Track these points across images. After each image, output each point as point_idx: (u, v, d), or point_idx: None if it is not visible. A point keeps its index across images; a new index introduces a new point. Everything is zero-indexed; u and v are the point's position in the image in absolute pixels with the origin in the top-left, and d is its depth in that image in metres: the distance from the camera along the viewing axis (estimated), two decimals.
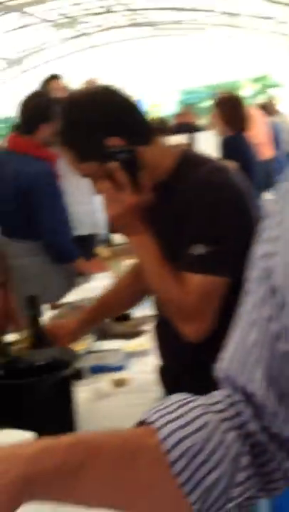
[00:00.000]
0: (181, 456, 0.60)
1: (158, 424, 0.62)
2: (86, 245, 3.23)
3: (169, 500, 0.62)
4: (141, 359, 1.75)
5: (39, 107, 3.04)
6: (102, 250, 2.51)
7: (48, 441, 0.59)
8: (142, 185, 1.29)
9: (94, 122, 1.28)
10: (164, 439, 0.61)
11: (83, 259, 2.99)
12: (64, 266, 3.02)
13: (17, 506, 0.56)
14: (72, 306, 1.90)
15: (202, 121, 8.22)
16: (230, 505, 0.61)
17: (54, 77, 3.64)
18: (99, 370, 1.68)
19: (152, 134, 1.33)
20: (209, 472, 0.60)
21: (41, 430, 1.05)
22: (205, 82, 14.20)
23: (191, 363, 1.39)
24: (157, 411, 0.64)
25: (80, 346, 1.66)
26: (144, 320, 1.94)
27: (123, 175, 1.27)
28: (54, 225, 2.95)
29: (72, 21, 13.42)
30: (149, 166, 1.29)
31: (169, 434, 0.61)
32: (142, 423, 0.64)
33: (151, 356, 1.72)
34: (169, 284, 1.30)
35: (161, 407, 0.64)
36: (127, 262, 2.37)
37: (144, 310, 2.09)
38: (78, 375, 1.38)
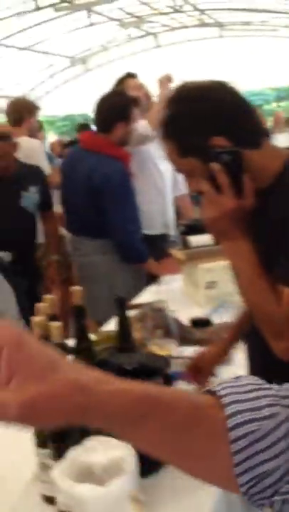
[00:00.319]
0: (242, 438, 0.61)
1: (227, 400, 0.63)
2: (157, 245, 3.19)
3: (220, 475, 0.64)
4: (221, 368, 1.69)
5: (116, 106, 3.02)
6: (177, 252, 2.46)
7: (122, 385, 0.60)
8: (244, 190, 1.23)
9: (202, 118, 1.22)
10: (230, 416, 0.62)
11: (153, 259, 2.96)
12: (133, 266, 3.00)
13: (62, 423, 0.58)
14: (152, 308, 1.85)
15: (267, 123, 8.09)
16: (277, 498, 0.62)
17: (130, 76, 3.59)
18: (179, 376, 1.63)
19: (262, 137, 1.26)
20: (265, 461, 0.61)
21: None
22: (270, 84, 14.00)
23: (283, 380, 1.32)
24: (229, 387, 0.64)
25: (163, 352, 1.62)
26: (224, 327, 1.88)
27: (225, 177, 1.22)
28: (125, 224, 2.93)
29: (139, 20, 13.44)
30: (255, 170, 1.23)
31: (236, 413, 0.62)
32: (210, 392, 0.65)
33: (232, 366, 1.66)
34: (264, 295, 1.23)
35: (234, 384, 0.65)
36: (203, 266, 2.32)
37: (222, 317, 2.05)
38: (168, 382, 1.33)
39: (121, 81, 3.55)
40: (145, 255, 2.96)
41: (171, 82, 3.48)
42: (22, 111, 3.72)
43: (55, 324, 1.18)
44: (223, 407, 0.62)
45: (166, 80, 3.48)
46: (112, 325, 2.12)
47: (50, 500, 1.14)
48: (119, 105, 3.01)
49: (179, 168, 1.33)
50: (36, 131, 4.12)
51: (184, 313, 2.03)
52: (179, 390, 0.68)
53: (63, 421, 0.57)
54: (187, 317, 2.01)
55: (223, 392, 0.64)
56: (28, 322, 1.27)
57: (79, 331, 1.35)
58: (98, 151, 2.97)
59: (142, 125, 3.28)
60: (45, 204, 3.30)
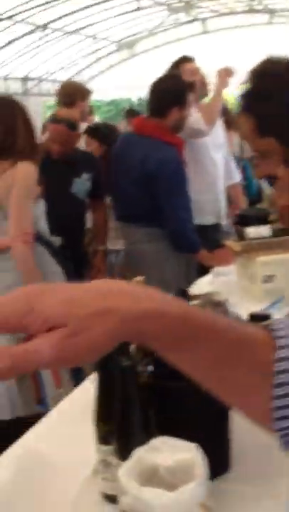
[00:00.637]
0: (287, 384, 0.59)
1: (282, 342, 0.60)
2: (208, 235, 3.13)
3: (259, 414, 0.62)
4: None
5: (171, 90, 2.95)
6: (232, 243, 2.38)
7: (162, 306, 0.55)
8: None
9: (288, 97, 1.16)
10: (280, 360, 0.59)
11: (205, 249, 2.89)
12: (184, 255, 2.94)
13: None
14: (211, 301, 1.78)
15: None
16: None
17: (186, 59, 3.50)
18: None
19: None
20: None
21: (191, 437, 0.97)
22: None
23: None
24: None
25: None
26: None
27: None
28: (177, 212, 2.87)
29: (187, 6, 13.25)
30: None
31: (287, 358, 0.59)
32: (267, 329, 0.61)
33: None
34: None
35: None
36: (261, 259, 2.24)
37: (280, 312, 1.97)
38: None
39: (176, 64, 3.46)
40: (197, 245, 2.90)
41: (230, 76, 3.37)
42: (75, 94, 3.68)
43: None
44: (275, 348, 0.59)
45: (225, 73, 3.36)
46: None
47: (111, 498, 1.10)
48: (174, 89, 2.94)
49: (255, 148, 1.27)
50: (87, 116, 4.08)
51: (240, 307, 1.96)
52: (230, 319, 0.66)
53: (104, 350, 0.55)
54: (242, 311, 1.94)
55: (280, 333, 0.60)
56: None
57: None
58: (152, 135, 2.91)
59: (196, 119, 3.19)
60: (96, 192, 3.27)
